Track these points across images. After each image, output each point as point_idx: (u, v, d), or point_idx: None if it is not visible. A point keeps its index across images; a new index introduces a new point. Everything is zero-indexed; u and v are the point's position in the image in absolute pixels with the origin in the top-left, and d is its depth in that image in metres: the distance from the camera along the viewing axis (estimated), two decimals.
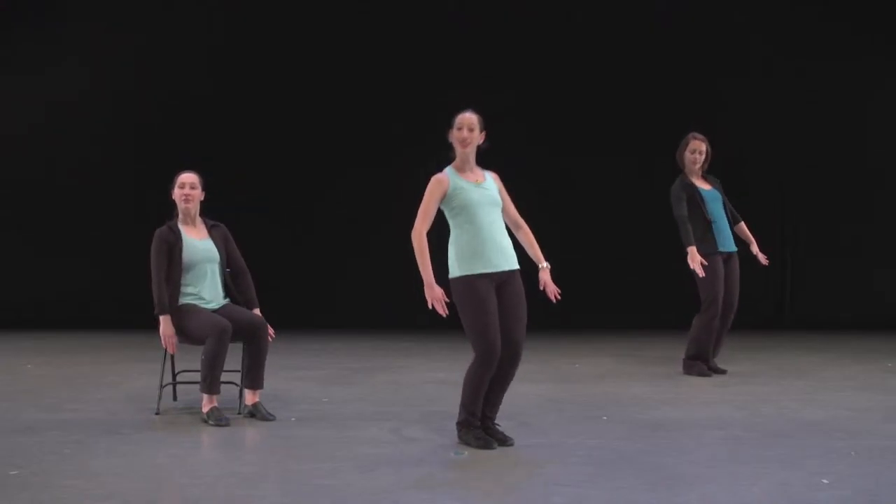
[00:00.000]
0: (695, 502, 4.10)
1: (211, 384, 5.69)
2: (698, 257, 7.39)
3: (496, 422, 5.19)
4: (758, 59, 11.39)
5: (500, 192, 5.23)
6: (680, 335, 7.95)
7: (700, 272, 7.39)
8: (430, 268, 4.99)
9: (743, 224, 7.89)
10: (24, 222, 11.41)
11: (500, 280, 5.05)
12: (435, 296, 4.95)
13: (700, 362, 7.60)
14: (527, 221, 5.36)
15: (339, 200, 11.48)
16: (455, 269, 5.05)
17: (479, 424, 5.09)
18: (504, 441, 5.11)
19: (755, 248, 7.86)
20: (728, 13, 11.34)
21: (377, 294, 11.10)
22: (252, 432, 5.55)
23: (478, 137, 5.16)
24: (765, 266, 7.93)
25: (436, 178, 5.12)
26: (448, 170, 5.17)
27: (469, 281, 5.00)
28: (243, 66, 11.44)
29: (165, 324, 5.77)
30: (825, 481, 4.35)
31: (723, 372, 7.64)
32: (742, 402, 6.37)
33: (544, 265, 5.26)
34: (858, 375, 7.66)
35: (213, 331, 5.66)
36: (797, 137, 11.36)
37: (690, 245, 7.42)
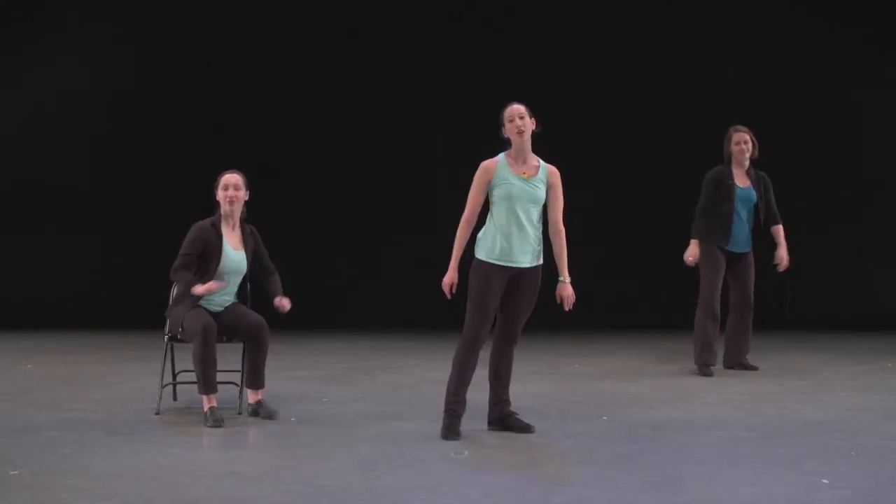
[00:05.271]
0: (695, 502, 4.10)
1: (205, 384, 5.67)
2: (695, 251, 7.50)
3: (514, 409, 5.32)
4: (757, 59, 11.38)
5: (548, 191, 5.27)
6: (681, 335, 7.94)
7: (687, 262, 7.49)
8: (459, 256, 5.18)
9: (780, 227, 7.79)
10: (24, 222, 11.39)
11: (518, 272, 5.18)
12: (447, 281, 5.15)
13: (702, 362, 7.59)
14: None
15: (339, 199, 11.45)
16: (478, 251, 5.21)
17: (458, 412, 5.20)
18: (525, 429, 5.25)
19: (781, 252, 7.74)
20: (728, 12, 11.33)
21: (378, 294, 11.08)
22: (252, 432, 5.55)
23: (530, 124, 5.22)
24: (778, 271, 7.85)
25: (483, 165, 5.22)
26: (500, 157, 5.23)
27: (485, 266, 5.15)
28: (252, 64, 11.34)
29: (201, 287, 5.68)
30: (825, 481, 4.35)
31: (754, 368, 7.65)
32: (742, 402, 6.37)
33: (563, 278, 5.30)
34: (858, 375, 7.66)
35: (197, 331, 5.63)
36: (797, 137, 11.33)
37: (696, 238, 7.51)
